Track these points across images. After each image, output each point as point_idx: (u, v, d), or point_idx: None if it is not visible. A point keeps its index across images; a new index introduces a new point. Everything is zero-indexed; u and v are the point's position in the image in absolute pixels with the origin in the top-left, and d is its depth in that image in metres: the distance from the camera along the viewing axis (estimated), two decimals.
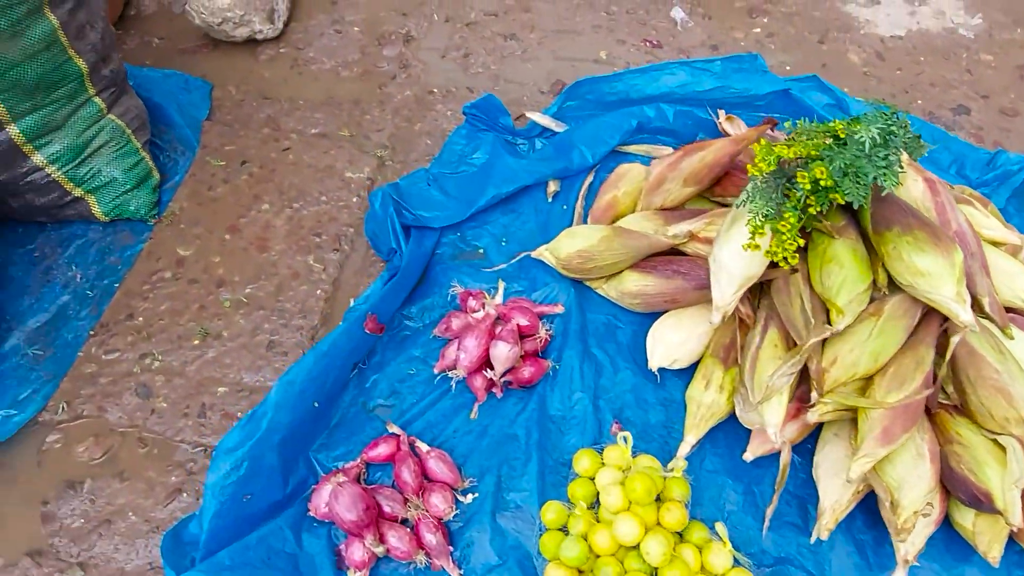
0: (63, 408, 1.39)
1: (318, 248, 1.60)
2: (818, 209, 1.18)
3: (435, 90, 1.92)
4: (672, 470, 1.26)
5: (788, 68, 1.98)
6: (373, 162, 1.75)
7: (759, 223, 1.15)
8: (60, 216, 1.58)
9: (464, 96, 1.91)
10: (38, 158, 1.46)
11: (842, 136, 1.21)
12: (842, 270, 1.19)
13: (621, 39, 2.04)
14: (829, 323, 1.20)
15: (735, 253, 1.26)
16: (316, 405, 1.31)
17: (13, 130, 1.40)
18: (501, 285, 1.47)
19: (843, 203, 1.20)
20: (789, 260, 1.15)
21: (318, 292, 1.54)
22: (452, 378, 1.37)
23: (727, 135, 1.74)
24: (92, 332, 1.48)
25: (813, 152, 1.15)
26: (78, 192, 1.54)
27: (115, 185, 1.57)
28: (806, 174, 1.13)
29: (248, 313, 1.51)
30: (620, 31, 2.06)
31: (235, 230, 1.63)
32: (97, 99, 1.53)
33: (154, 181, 1.65)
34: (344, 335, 1.34)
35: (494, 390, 1.39)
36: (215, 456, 1.21)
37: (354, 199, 1.69)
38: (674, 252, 1.46)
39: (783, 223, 1.12)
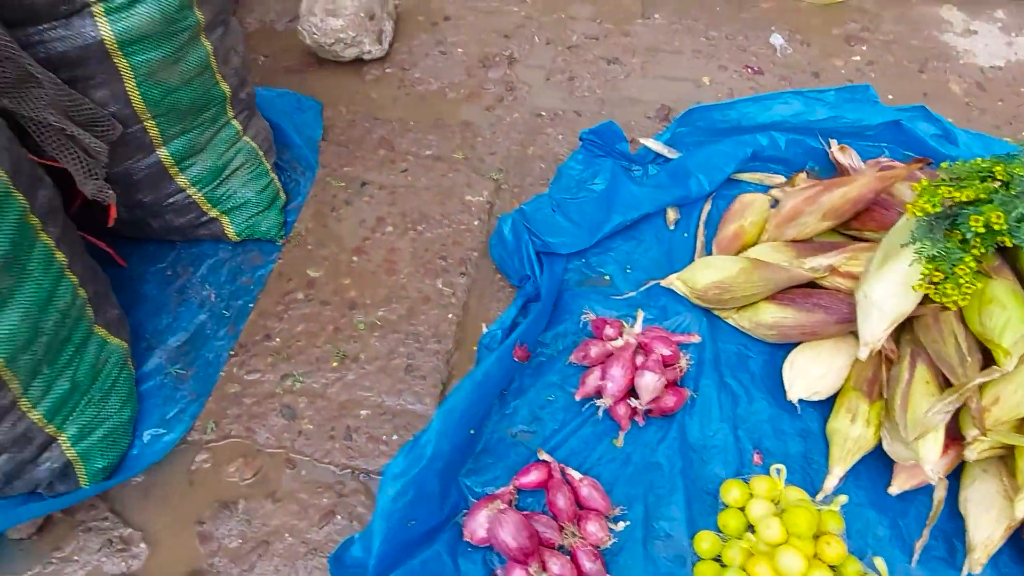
0: (211, 428, 1.41)
1: (445, 272, 1.62)
2: (982, 251, 1.20)
3: (543, 113, 1.94)
4: (831, 503, 1.27)
5: (891, 97, 2.00)
6: (491, 185, 1.77)
7: (929, 266, 1.17)
8: (193, 235, 1.60)
9: (572, 120, 1.93)
10: (182, 180, 1.49)
11: (1000, 177, 1.23)
12: (1004, 311, 1.20)
13: (723, 65, 2.06)
14: (988, 363, 1.22)
15: (889, 291, 1.28)
16: (472, 432, 1.33)
17: (163, 152, 1.43)
18: (640, 315, 1.49)
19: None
20: (959, 303, 1.16)
21: (449, 316, 1.56)
22: (599, 406, 1.39)
23: (839, 164, 1.75)
24: (232, 352, 1.50)
25: (982, 195, 1.17)
26: (214, 213, 1.57)
27: (248, 206, 1.59)
28: (979, 217, 1.15)
29: (383, 336, 1.53)
30: (721, 56, 2.08)
31: (361, 252, 1.65)
32: (235, 122, 1.55)
33: (281, 202, 1.67)
34: (496, 363, 1.37)
35: (636, 418, 1.41)
36: (383, 481, 1.22)
37: (475, 222, 1.71)
38: (810, 285, 1.48)
39: (961, 267, 1.13)
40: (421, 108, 1.95)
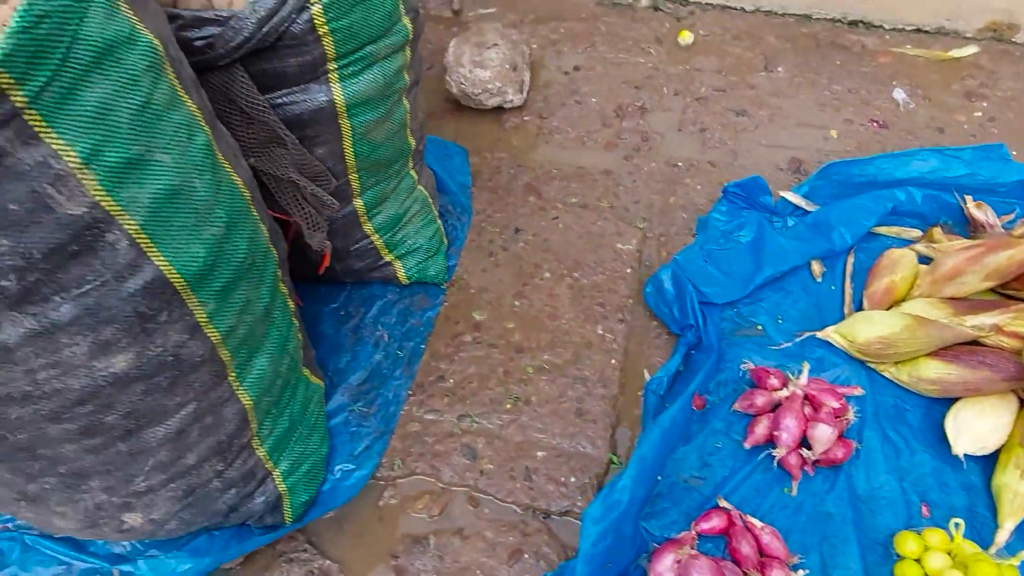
0: (398, 465, 1.48)
1: (604, 318, 1.69)
2: None
3: (679, 163, 2.02)
4: (1013, 557, 1.32)
5: (1014, 153, 2.05)
6: (638, 234, 1.85)
7: None
8: (366, 278, 1.69)
9: (707, 170, 2.00)
10: (368, 227, 1.57)
11: None
12: None
13: (848, 119, 2.13)
14: None
15: None
16: (659, 479, 1.39)
17: (358, 202, 1.51)
18: (806, 366, 1.54)
19: None
20: None
21: (612, 362, 1.62)
22: (774, 456, 1.44)
23: (974, 220, 1.81)
24: (410, 392, 1.57)
25: None
26: (389, 257, 1.65)
27: (420, 251, 1.68)
28: None
29: (552, 380, 1.60)
30: (845, 110, 2.15)
31: (522, 297, 1.73)
32: (412, 172, 1.64)
33: (445, 247, 1.76)
34: (680, 412, 1.43)
35: (806, 468, 1.46)
36: (583, 526, 1.28)
37: (627, 270, 1.78)
38: (971, 342, 1.53)
39: None
40: (562, 156, 2.03)
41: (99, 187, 0.81)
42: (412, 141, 1.57)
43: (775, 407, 1.52)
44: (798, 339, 1.63)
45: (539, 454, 1.50)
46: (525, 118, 2.12)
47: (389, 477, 1.48)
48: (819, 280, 1.75)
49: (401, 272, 1.68)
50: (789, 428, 1.44)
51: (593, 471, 1.48)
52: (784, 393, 1.51)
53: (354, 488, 1.44)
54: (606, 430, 1.53)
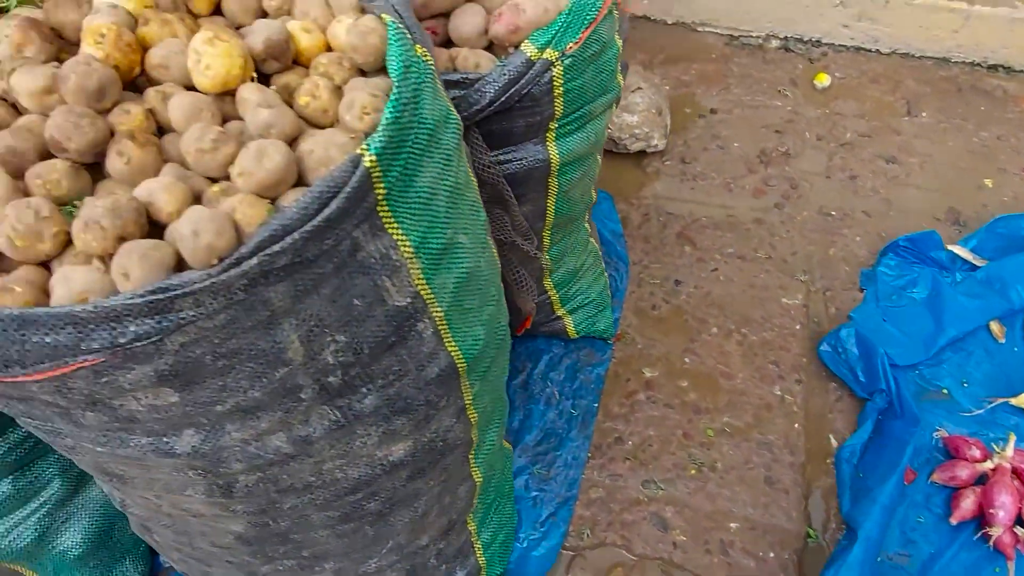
0: (587, 534, 1.42)
1: (780, 378, 1.63)
2: None
3: (832, 213, 1.95)
4: None
5: None
6: (802, 288, 1.79)
7: None
8: (535, 332, 1.64)
9: (863, 220, 1.94)
10: (547, 282, 1.52)
11: None
12: None
13: (1001, 167, 2.06)
14: None
15: None
16: (879, 560, 1.32)
17: (544, 258, 1.46)
18: (1012, 438, 1.47)
19: None
20: None
21: (795, 426, 1.56)
22: (990, 535, 1.37)
23: None
24: (589, 455, 1.51)
25: None
26: (560, 312, 1.60)
27: (590, 305, 1.63)
28: None
29: (735, 445, 1.53)
30: (996, 158, 2.08)
31: (691, 353, 1.67)
32: (586, 225, 1.59)
33: (610, 300, 1.70)
34: (895, 488, 1.36)
35: (1019, 546, 1.38)
36: None
37: (796, 327, 1.71)
38: None
39: None
40: (709, 203, 1.98)
41: (421, 276, 0.77)
42: (594, 195, 1.52)
43: (979, 480, 1.45)
44: (989, 406, 1.56)
45: (732, 525, 1.43)
46: (666, 162, 2.07)
47: (578, 547, 1.41)
48: (1002, 341, 1.68)
49: (570, 327, 1.63)
50: (1005, 505, 1.36)
51: (792, 546, 1.41)
52: (988, 465, 1.44)
53: (545, 561, 1.38)
54: (799, 501, 1.46)
